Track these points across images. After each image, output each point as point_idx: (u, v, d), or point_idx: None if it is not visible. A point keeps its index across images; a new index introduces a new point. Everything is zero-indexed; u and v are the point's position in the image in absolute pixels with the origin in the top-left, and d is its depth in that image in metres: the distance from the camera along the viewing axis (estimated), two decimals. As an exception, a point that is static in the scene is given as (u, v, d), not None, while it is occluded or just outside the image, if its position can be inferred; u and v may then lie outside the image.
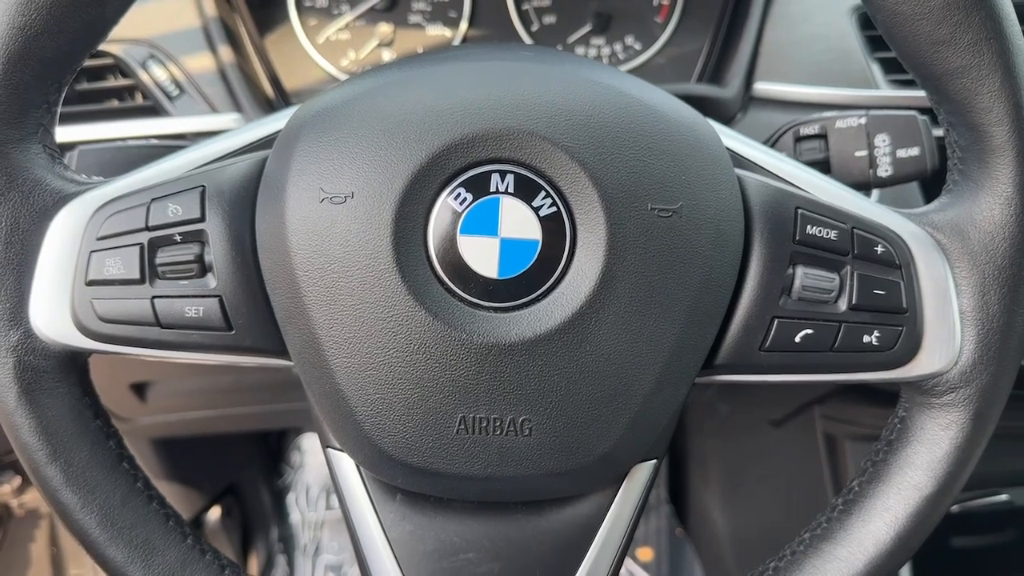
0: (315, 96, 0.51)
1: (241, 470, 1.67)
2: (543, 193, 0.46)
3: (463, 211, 0.46)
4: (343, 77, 0.99)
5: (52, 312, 0.49)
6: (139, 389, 1.09)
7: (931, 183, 0.71)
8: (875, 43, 0.89)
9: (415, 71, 0.49)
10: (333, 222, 0.46)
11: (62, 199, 0.49)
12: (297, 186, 0.47)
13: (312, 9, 0.99)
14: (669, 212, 0.46)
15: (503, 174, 0.46)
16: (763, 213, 0.50)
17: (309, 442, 1.80)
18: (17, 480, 1.46)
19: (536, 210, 0.46)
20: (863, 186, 0.70)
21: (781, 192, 0.51)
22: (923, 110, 0.69)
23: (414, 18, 0.99)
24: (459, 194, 0.46)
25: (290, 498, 1.76)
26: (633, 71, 1.00)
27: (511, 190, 0.46)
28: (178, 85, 0.89)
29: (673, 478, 1.71)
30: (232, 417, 1.24)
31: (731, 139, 0.54)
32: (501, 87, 0.47)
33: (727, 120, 0.90)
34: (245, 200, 0.49)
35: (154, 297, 0.48)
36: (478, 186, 0.46)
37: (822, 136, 0.70)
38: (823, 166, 0.70)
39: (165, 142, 0.70)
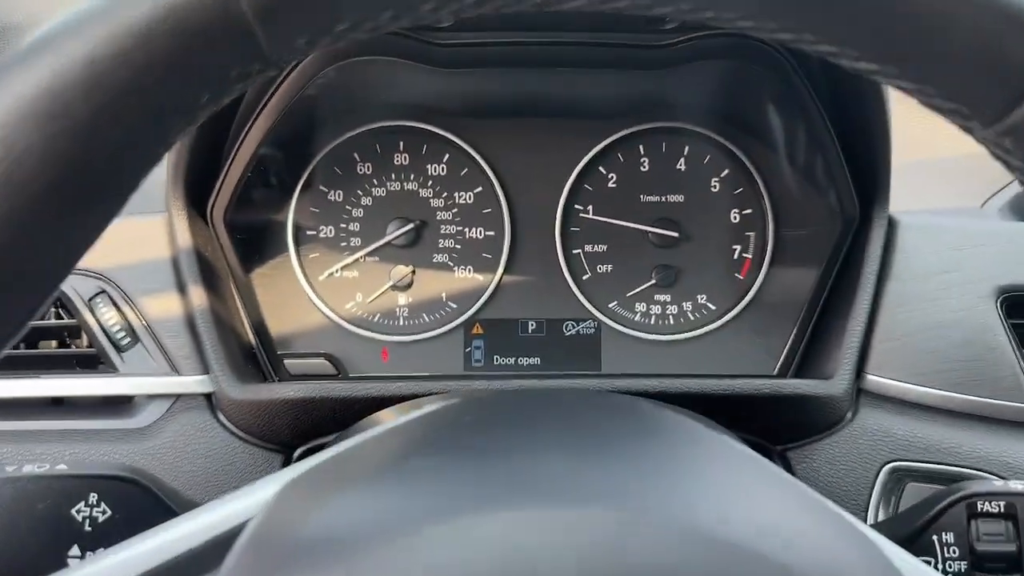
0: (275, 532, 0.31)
1: None
2: None
3: None
4: (344, 324, 0.80)
5: None
6: None
7: None
8: (1030, 338, 0.69)
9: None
10: None
11: None
12: None
13: (315, 239, 0.81)
14: None
15: None
16: None
17: None
18: None
19: None
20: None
21: None
22: None
23: (439, 258, 0.81)
24: None
25: None
26: (707, 335, 0.80)
27: None
28: (132, 332, 0.70)
29: None
30: None
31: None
32: None
33: (834, 423, 0.69)
34: None
35: None
36: None
37: (1009, 516, 0.49)
38: (1012, 563, 0.49)
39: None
